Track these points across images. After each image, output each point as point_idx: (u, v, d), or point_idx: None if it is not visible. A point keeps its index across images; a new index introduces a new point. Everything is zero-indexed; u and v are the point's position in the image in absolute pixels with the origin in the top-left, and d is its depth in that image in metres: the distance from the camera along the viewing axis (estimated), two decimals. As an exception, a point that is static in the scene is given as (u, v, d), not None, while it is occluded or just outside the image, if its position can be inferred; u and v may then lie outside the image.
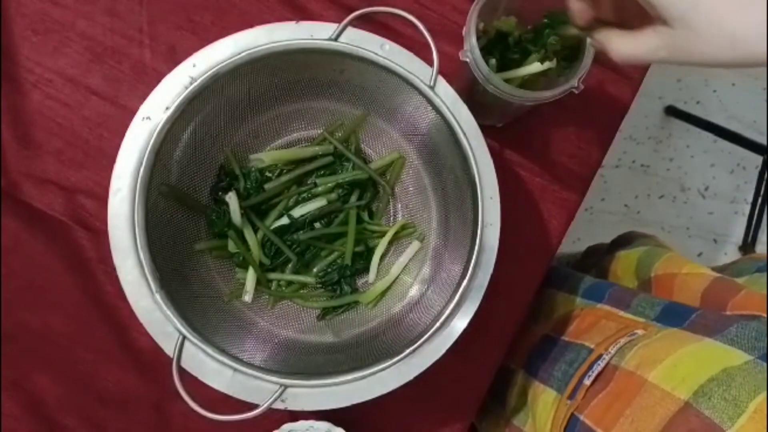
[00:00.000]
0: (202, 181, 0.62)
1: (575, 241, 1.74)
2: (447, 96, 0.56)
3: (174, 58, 0.67)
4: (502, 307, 0.68)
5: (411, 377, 0.52)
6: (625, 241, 0.86)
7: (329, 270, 0.64)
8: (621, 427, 0.51)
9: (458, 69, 0.61)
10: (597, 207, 1.77)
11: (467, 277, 0.53)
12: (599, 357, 0.58)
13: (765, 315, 0.52)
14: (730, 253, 1.77)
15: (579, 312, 0.69)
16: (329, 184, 0.63)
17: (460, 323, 0.53)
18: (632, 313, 0.63)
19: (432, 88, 0.55)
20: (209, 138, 0.61)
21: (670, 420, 0.47)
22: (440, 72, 0.55)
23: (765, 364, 0.47)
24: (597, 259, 0.86)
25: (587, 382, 0.57)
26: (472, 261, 0.53)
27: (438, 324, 0.53)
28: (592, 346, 0.61)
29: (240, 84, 0.58)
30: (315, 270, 0.64)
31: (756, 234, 1.75)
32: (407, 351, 0.52)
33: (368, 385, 0.52)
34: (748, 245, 1.74)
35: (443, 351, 0.53)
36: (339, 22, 0.55)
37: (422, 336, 0.52)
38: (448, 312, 0.53)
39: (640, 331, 0.58)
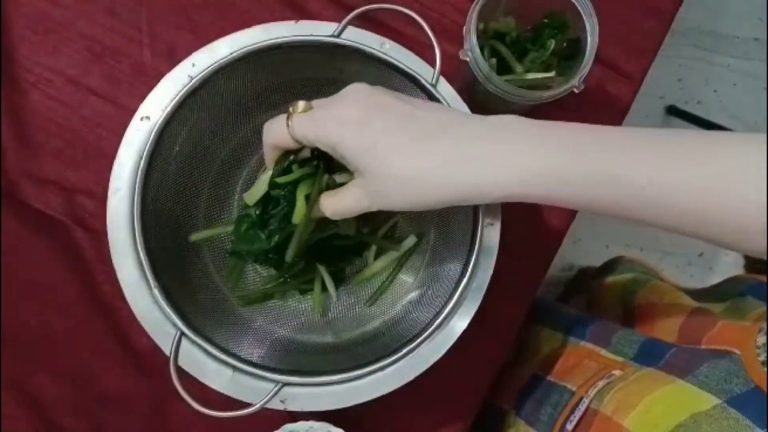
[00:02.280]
0: (201, 178, 0.62)
1: (576, 241, 1.74)
2: (449, 95, 0.56)
3: (173, 58, 0.67)
4: (503, 307, 0.68)
5: (411, 377, 0.52)
6: (612, 267, 0.88)
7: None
8: None
9: (458, 68, 0.61)
10: (598, 207, 1.76)
11: (467, 277, 0.53)
12: (580, 400, 0.59)
13: (737, 351, 0.54)
14: (731, 253, 1.77)
15: (563, 350, 0.71)
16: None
17: (460, 323, 0.53)
18: (612, 351, 0.65)
19: (434, 86, 0.55)
20: (209, 135, 0.61)
21: None
22: (441, 71, 0.55)
23: (731, 409, 0.48)
24: (586, 283, 0.88)
25: (569, 427, 0.59)
26: (472, 261, 0.53)
27: (437, 323, 0.53)
28: (574, 389, 0.62)
29: (239, 83, 0.58)
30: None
31: (757, 234, 1.74)
32: (406, 350, 0.52)
33: (368, 386, 0.52)
34: (748, 245, 1.73)
35: (443, 351, 0.53)
36: (339, 21, 0.55)
37: (422, 335, 0.52)
38: (447, 311, 0.53)
39: (617, 372, 0.60)
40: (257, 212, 0.54)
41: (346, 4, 0.69)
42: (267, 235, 0.53)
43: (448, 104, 0.55)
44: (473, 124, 0.45)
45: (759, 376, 0.49)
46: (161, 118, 0.53)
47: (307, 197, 0.51)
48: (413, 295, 0.62)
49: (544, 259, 0.70)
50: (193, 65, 0.54)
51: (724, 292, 0.70)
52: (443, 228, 0.63)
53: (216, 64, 0.54)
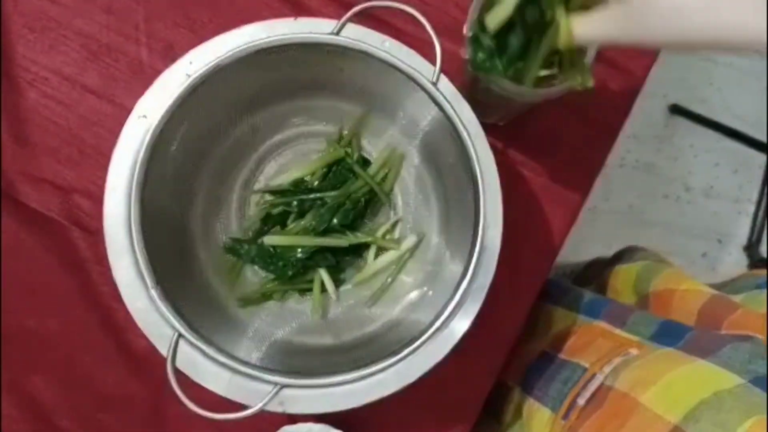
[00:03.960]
0: (200, 177, 0.61)
1: (578, 241, 1.73)
2: (449, 93, 0.55)
3: (171, 56, 0.66)
4: (505, 308, 0.67)
5: (411, 380, 0.51)
6: (625, 255, 0.86)
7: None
8: None
9: (459, 66, 0.61)
10: (600, 207, 1.76)
11: (468, 278, 0.52)
12: (593, 376, 0.58)
13: (759, 335, 0.53)
14: (735, 254, 1.76)
15: (576, 328, 0.69)
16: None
17: (461, 324, 0.52)
18: (628, 331, 0.63)
19: (435, 84, 0.55)
20: (207, 134, 0.60)
21: None
22: (442, 69, 0.54)
23: (755, 388, 0.47)
24: (597, 272, 0.86)
25: (581, 402, 0.57)
26: (473, 261, 0.52)
27: (438, 325, 0.52)
28: (586, 365, 0.61)
29: (237, 81, 0.57)
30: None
31: (760, 234, 1.74)
32: (406, 351, 0.51)
33: (368, 388, 0.51)
34: (752, 245, 1.73)
35: (444, 353, 0.52)
36: (338, 18, 0.54)
37: (422, 337, 0.52)
38: (448, 312, 0.52)
39: (634, 351, 0.59)
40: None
41: (345, 2, 0.68)
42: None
43: (450, 103, 0.54)
44: None
45: None
46: (159, 117, 0.52)
47: None
48: (414, 295, 0.62)
49: (546, 259, 0.69)
50: (191, 63, 0.53)
51: (740, 286, 0.68)
52: (444, 228, 0.63)
53: (214, 62, 0.53)
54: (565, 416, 0.58)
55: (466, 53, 0.55)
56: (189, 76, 0.53)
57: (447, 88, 0.55)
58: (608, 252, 1.70)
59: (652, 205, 1.77)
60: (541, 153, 0.69)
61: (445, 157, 0.59)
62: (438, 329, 0.52)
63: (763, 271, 0.69)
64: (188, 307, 0.53)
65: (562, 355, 0.66)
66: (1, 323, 0.65)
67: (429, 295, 0.59)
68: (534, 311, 0.70)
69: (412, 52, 0.55)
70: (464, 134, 0.54)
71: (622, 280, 0.79)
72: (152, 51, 0.67)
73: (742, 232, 1.77)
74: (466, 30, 0.54)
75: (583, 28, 0.47)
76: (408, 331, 0.56)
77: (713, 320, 0.59)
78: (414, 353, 0.51)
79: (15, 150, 0.66)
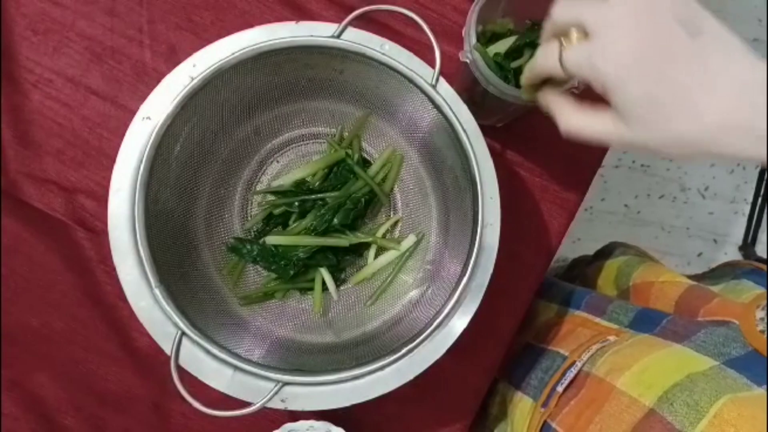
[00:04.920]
0: (203, 178, 0.62)
1: (575, 241, 1.74)
2: (448, 95, 0.56)
3: (174, 58, 0.67)
4: (502, 307, 0.68)
5: (411, 377, 0.52)
6: (607, 251, 0.88)
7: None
8: None
9: (457, 69, 0.61)
10: (597, 207, 1.77)
11: (466, 277, 0.53)
12: (572, 364, 0.59)
13: (735, 321, 0.53)
14: (730, 253, 1.77)
15: (558, 319, 0.71)
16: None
17: (460, 323, 0.53)
18: (607, 320, 0.64)
19: (434, 86, 0.55)
20: (210, 135, 0.61)
21: (635, 427, 0.48)
22: (441, 72, 0.55)
23: (729, 370, 0.47)
24: (581, 270, 0.87)
25: (560, 389, 0.58)
26: (472, 260, 0.53)
27: (437, 323, 0.53)
28: (566, 353, 0.62)
29: (240, 83, 0.58)
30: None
31: (756, 234, 1.75)
32: (406, 349, 0.52)
33: (368, 385, 0.52)
34: (748, 245, 1.74)
35: (443, 351, 0.53)
36: (339, 22, 0.55)
37: (422, 335, 0.52)
38: (447, 311, 0.53)
39: (612, 338, 0.59)
40: None
41: (345, 5, 0.69)
42: None
43: (449, 105, 0.55)
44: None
45: (758, 341, 0.49)
46: (162, 119, 0.53)
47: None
48: (413, 294, 0.62)
49: (544, 259, 0.70)
50: (194, 66, 0.54)
51: (719, 276, 0.69)
52: (443, 228, 0.64)
53: (217, 65, 0.54)
54: (545, 404, 0.59)
55: (464, 57, 0.56)
56: (192, 78, 0.54)
57: (446, 90, 0.56)
58: (605, 252, 1.72)
59: (649, 206, 1.78)
60: (538, 154, 0.70)
61: (445, 158, 0.60)
62: (437, 327, 0.53)
63: (744, 262, 0.70)
64: (191, 306, 0.54)
65: (543, 345, 0.68)
66: (5, 322, 0.65)
67: (428, 293, 0.60)
68: (535, 296, 0.71)
69: (411, 55, 0.56)
70: (463, 135, 0.54)
71: (604, 276, 0.80)
72: (155, 53, 0.68)
73: (737, 231, 1.78)
74: (463, 56, 0.55)
75: (578, 122, 0.46)
76: (408, 330, 0.57)
77: (690, 309, 0.59)
78: (414, 351, 0.52)
79: (19, 151, 0.66)
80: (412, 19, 0.54)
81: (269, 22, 0.56)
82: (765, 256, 1.73)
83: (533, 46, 0.59)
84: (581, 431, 0.53)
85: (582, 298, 0.71)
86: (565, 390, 0.58)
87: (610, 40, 0.40)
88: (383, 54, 0.55)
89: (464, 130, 0.55)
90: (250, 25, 0.55)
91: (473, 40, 0.55)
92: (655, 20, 0.40)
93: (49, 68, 0.67)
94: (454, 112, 0.55)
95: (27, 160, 0.66)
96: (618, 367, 0.54)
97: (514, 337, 0.69)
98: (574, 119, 0.46)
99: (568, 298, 0.73)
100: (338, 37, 0.55)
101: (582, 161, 0.70)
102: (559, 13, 0.44)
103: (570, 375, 0.58)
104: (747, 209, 1.77)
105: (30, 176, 0.66)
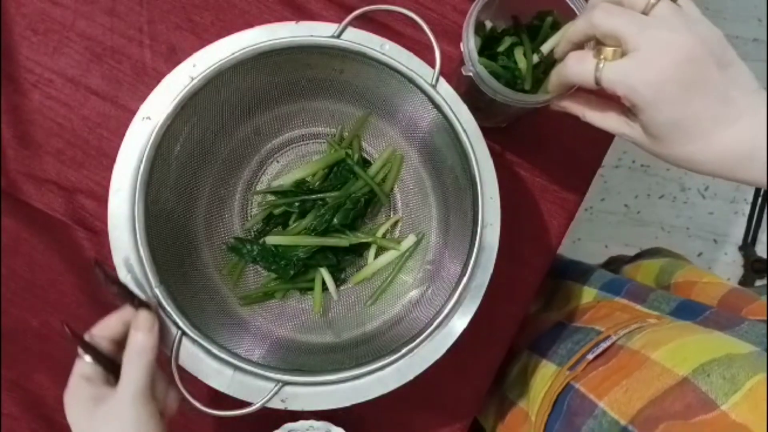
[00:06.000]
0: (203, 178, 0.62)
1: (575, 241, 1.74)
2: (448, 95, 0.56)
3: (174, 58, 0.67)
4: (503, 307, 0.68)
5: (410, 377, 0.52)
6: (648, 253, 0.87)
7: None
8: (613, 395, 0.52)
9: (457, 69, 0.61)
10: (597, 207, 1.77)
11: (466, 277, 0.53)
12: (607, 337, 0.58)
13: None
14: (730, 253, 1.77)
15: (595, 304, 0.70)
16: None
17: (459, 323, 0.53)
18: (648, 307, 0.64)
19: (434, 86, 0.55)
20: (210, 136, 0.61)
21: (666, 391, 0.48)
22: (441, 72, 0.55)
23: None
24: (618, 267, 0.87)
25: (590, 356, 0.58)
26: (472, 260, 0.53)
27: (437, 323, 0.53)
28: (602, 329, 0.61)
29: (240, 83, 0.58)
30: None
31: (756, 234, 1.75)
32: (406, 349, 0.52)
33: (367, 385, 0.52)
34: (748, 245, 1.74)
35: (443, 351, 0.53)
36: (339, 22, 0.55)
37: (421, 335, 0.52)
38: (447, 311, 0.53)
39: (652, 320, 0.59)
40: None
41: (345, 5, 0.69)
42: None
43: (449, 105, 0.55)
44: None
45: None
46: (162, 119, 0.53)
47: None
48: (413, 294, 0.62)
49: (544, 259, 0.70)
50: (194, 66, 0.54)
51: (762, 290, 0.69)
52: (443, 228, 0.64)
53: (217, 65, 0.54)
54: (572, 368, 0.59)
55: (467, 71, 0.55)
56: (192, 78, 0.53)
57: (446, 90, 0.56)
58: (606, 252, 1.71)
59: (649, 206, 1.78)
60: (538, 154, 0.70)
61: (444, 158, 0.60)
62: (437, 327, 0.53)
63: None
64: (191, 306, 0.54)
65: (577, 324, 0.67)
66: (5, 322, 0.65)
67: (428, 293, 0.60)
68: (551, 286, 0.71)
69: (411, 55, 0.56)
70: (463, 136, 0.54)
71: (644, 273, 0.79)
72: (155, 53, 0.68)
73: (737, 231, 1.78)
74: (465, 69, 0.55)
75: (596, 116, 0.50)
76: (408, 330, 0.57)
77: (732, 308, 0.59)
78: (413, 351, 0.52)
79: (19, 151, 0.66)
80: (411, 18, 0.54)
81: (269, 21, 0.56)
82: (765, 256, 1.73)
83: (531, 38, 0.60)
84: (604, 392, 0.53)
85: (623, 285, 0.70)
86: (595, 358, 0.58)
87: (649, 64, 0.42)
88: (383, 54, 0.55)
89: (464, 131, 0.55)
90: (250, 25, 0.55)
91: (475, 55, 0.55)
92: (693, 50, 0.42)
93: (49, 68, 0.67)
94: (454, 112, 0.55)
95: (27, 160, 0.66)
96: (655, 342, 0.54)
97: (515, 336, 0.69)
98: (595, 115, 0.50)
99: (607, 285, 0.72)
100: (338, 37, 0.55)
101: (582, 161, 0.70)
102: (599, 20, 0.44)
103: (603, 346, 0.58)
104: (747, 209, 1.77)
105: (30, 176, 0.66)
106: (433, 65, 0.55)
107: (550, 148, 0.70)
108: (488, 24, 0.62)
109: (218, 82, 0.55)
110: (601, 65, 0.44)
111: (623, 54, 0.44)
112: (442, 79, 0.56)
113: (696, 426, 0.44)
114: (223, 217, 0.64)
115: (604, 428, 0.51)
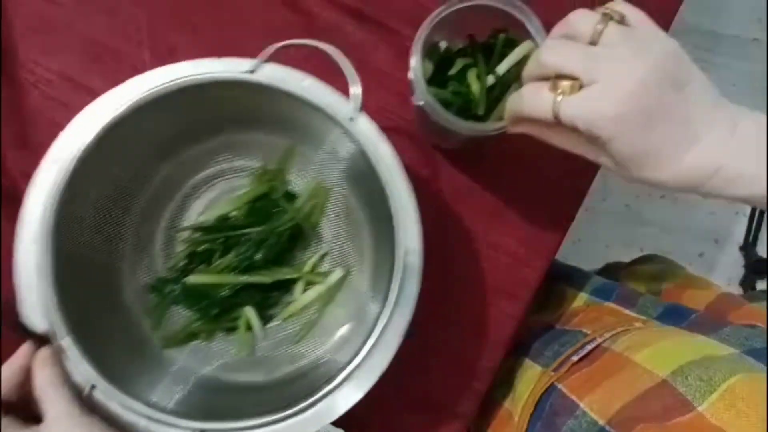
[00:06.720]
0: (124, 218, 0.61)
1: (575, 241, 1.73)
2: (368, 129, 0.54)
3: (173, 58, 0.66)
4: (502, 309, 0.67)
5: (333, 418, 0.51)
6: (644, 259, 0.88)
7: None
8: (594, 396, 0.52)
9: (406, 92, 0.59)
10: (597, 207, 1.76)
11: (389, 311, 0.52)
12: (592, 340, 0.58)
13: (762, 325, 0.54)
14: (731, 254, 1.76)
15: (585, 308, 0.70)
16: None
17: (382, 360, 0.51)
18: (636, 312, 0.64)
19: (353, 120, 0.54)
20: (129, 174, 0.60)
21: (645, 393, 0.48)
22: (362, 106, 0.54)
23: (748, 357, 0.47)
24: (613, 273, 0.87)
25: (575, 358, 0.58)
26: (393, 297, 0.52)
27: (356, 364, 0.51)
28: (588, 332, 0.61)
29: (156, 121, 0.57)
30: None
31: (757, 234, 1.74)
32: (324, 392, 0.51)
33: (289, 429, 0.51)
34: (748, 245, 1.72)
35: (367, 388, 0.51)
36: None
37: (339, 375, 0.51)
38: (366, 351, 0.51)
39: (638, 324, 0.59)
40: None
41: (345, 5, 0.68)
42: None
43: (367, 140, 0.54)
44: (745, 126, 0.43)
45: None
46: (71, 160, 0.52)
47: None
48: (344, 330, 0.61)
49: (544, 259, 0.69)
50: (108, 104, 0.53)
51: (759, 298, 0.69)
52: (375, 260, 0.62)
53: (126, 106, 0.53)
54: (556, 370, 0.59)
55: (417, 101, 0.54)
56: (104, 118, 0.53)
57: (365, 124, 0.54)
58: (606, 251, 1.70)
59: (649, 206, 1.76)
60: (537, 153, 0.67)
61: (372, 190, 0.59)
62: (357, 368, 0.51)
63: None
64: (109, 349, 0.53)
65: (565, 327, 0.67)
66: (6, 321, 0.65)
67: (358, 329, 0.59)
68: (546, 288, 0.71)
69: (330, 90, 0.55)
70: (379, 169, 0.53)
71: (636, 278, 0.79)
72: (154, 53, 0.68)
73: (738, 232, 1.76)
74: (416, 99, 0.54)
75: (560, 138, 0.49)
76: (335, 367, 0.55)
77: (719, 313, 0.59)
78: (330, 394, 0.51)
79: (18, 151, 0.67)
80: (328, 54, 0.53)
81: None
82: (766, 256, 1.71)
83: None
84: (585, 393, 0.53)
85: (613, 290, 0.70)
86: (579, 360, 0.58)
87: (605, 98, 0.42)
88: (301, 90, 0.54)
89: (382, 163, 0.53)
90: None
91: (422, 84, 0.53)
92: (647, 78, 0.41)
93: (48, 68, 0.67)
94: (372, 146, 0.54)
95: (26, 160, 0.66)
96: (637, 345, 0.54)
97: (514, 338, 0.68)
98: (553, 140, 0.49)
99: (599, 289, 0.72)
100: (253, 72, 0.54)
101: (582, 160, 0.69)
102: (546, 59, 0.44)
103: (588, 348, 0.58)
104: (747, 209, 1.75)
105: (28, 177, 0.66)
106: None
107: (549, 147, 0.69)
108: (443, 44, 0.60)
109: (129, 123, 0.54)
110: (559, 99, 0.43)
111: (581, 86, 0.43)
112: (362, 114, 0.54)
113: (672, 429, 0.44)
114: (146, 256, 0.62)
115: (583, 428, 0.51)
